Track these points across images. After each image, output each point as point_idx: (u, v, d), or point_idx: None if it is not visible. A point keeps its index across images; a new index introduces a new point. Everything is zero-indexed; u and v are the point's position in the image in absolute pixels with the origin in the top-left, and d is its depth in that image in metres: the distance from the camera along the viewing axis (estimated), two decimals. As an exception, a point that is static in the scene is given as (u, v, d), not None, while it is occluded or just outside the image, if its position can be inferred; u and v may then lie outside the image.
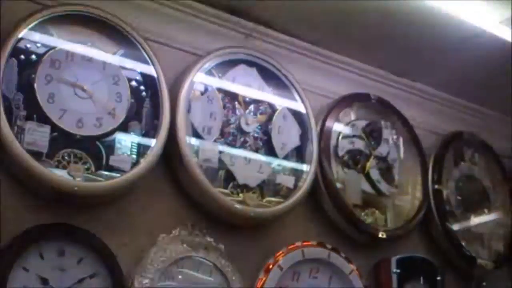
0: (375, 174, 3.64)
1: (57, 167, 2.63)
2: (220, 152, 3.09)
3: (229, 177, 3.11)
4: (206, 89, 3.15)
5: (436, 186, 3.84)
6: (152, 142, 2.85)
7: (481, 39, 3.51)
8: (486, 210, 4.14)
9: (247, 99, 3.29)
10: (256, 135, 3.26)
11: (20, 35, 2.67)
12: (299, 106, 3.39)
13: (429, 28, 3.45)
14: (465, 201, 4.03)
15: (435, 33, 3.50)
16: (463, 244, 3.86)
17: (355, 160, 3.59)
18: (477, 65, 3.79)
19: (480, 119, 4.37)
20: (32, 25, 2.70)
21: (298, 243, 3.20)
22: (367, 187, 3.59)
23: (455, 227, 3.88)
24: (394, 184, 3.71)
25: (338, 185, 3.45)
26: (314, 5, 3.27)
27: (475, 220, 4.05)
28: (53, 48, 2.76)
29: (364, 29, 3.49)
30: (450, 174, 4.01)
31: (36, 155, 2.57)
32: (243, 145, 3.20)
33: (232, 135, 3.19)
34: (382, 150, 3.71)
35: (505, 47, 3.53)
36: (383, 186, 3.65)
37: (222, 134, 3.15)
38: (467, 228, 3.99)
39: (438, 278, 3.65)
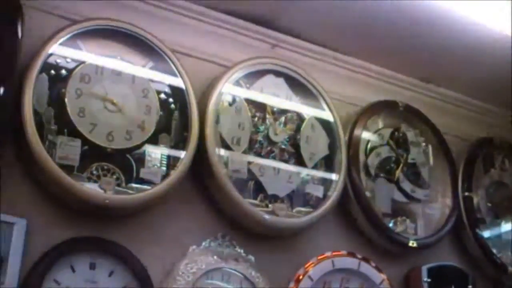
0: (405, 182, 3.62)
1: (88, 180, 2.66)
2: (249, 162, 3.10)
3: (259, 188, 3.11)
4: (234, 100, 3.16)
5: (466, 193, 3.81)
6: (181, 154, 2.86)
7: (507, 44, 3.48)
8: (517, 217, 4.10)
9: (275, 109, 3.29)
10: (284, 145, 3.26)
11: (50, 51, 2.70)
12: (327, 115, 3.39)
13: (455, 34, 3.44)
14: (495, 208, 3.99)
15: (461, 38, 3.49)
16: (494, 251, 3.81)
17: (384, 168, 3.58)
18: (503, 70, 3.75)
19: (509, 124, 4.32)
20: (61, 40, 2.74)
21: (328, 253, 3.19)
22: (397, 195, 3.57)
23: (486, 234, 3.83)
24: (427, 189, 3.69)
25: (368, 194, 3.42)
26: (340, 14, 3.29)
27: (506, 227, 4.00)
28: (82, 62, 2.79)
29: (390, 37, 3.49)
30: (480, 181, 3.97)
31: (68, 169, 2.60)
32: (271, 155, 3.20)
33: (260, 145, 3.19)
34: (411, 157, 3.69)
35: (534, 51, 3.51)
36: (416, 192, 3.63)
37: (251, 144, 3.16)
38: (498, 235, 3.95)
39: (469, 286, 3.60)
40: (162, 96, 2.95)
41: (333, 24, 3.39)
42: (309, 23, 3.39)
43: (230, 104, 3.14)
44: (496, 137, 4.14)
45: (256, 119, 3.22)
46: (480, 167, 4.02)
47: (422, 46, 3.57)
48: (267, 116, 3.25)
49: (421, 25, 3.36)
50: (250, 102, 3.21)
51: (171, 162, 2.86)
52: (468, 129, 4.12)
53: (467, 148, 4.00)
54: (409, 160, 3.68)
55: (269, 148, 3.21)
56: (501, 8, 3.19)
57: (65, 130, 2.67)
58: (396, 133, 3.69)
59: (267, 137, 3.22)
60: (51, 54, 2.71)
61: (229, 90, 3.13)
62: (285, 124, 3.29)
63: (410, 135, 3.73)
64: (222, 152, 3.03)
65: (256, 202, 3.07)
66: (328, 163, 3.34)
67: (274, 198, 3.12)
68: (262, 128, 3.22)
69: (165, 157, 2.87)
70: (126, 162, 2.78)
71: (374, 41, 3.55)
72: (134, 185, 2.75)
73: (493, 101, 4.17)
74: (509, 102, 4.15)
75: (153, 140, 2.86)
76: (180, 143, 2.90)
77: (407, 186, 3.61)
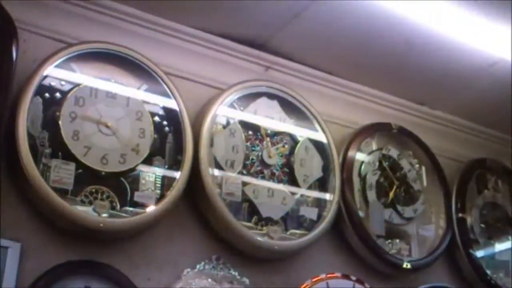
0: (399, 203, 3.62)
1: (82, 203, 2.66)
2: (243, 185, 3.10)
3: (253, 210, 3.11)
4: (228, 123, 3.17)
5: (460, 215, 3.81)
6: (176, 177, 2.86)
7: (501, 67, 3.52)
8: (510, 238, 4.09)
9: (269, 131, 3.30)
10: (278, 167, 3.26)
11: (44, 74, 2.71)
12: (321, 137, 3.40)
13: (449, 56, 3.46)
14: (489, 229, 4.00)
15: (454, 61, 3.51)
16: (488, 272, 3.81)
17: (378, 190, 3.58)
18: (497, 92, 3.78)
19: (502, 145, 4.34)
20: (56, 63, 2.75)
21: (323, 275, 3.18)
22: (391, 217, 3.57)
23: (480, 255, 3.84)
24: (418, 210, 3.69)
25: (361, 215, 3.43)
26: (333, 36, 3.30)
27: (499, 248, 4.01)
28: (77, 85, 2.80)
29: (383, 59, 3.51)
30: (473, 202, 3.98)
31: (62, 192, 2.60)
32: (266, 178, 3.21)
33: (255, 168, 3.20)
34: (404, 179, 3.70)
35: (526, 74, 3.53)
36: (410, 214, 3.64)
37: (245, 167, 3.16)
38: (492, 256, 3.95)
39: (464, 307, 3.61)
40: (156, 119, 2.96)
41: (326, 46, 3.41)
42: (302, 46, 3.41)
43: (224, 127, 3.15)
44: (489, 159, 4.15)
45: (250, 141, 3.22)
46: (473, 188, 4.03)
47: (416, 68, 3.59)
48: (261, 138, 3.26)
49: (416, 48, 3.38)
50: (244, 124, 3.22)
51: (165, 185, 2.86)
52: (461, 151, 4.14)
53: (460, 169, 4.02)
54: (403, 182, 3.68)
55: (263, 171, 3.21)
56: (492, 29, 3.21)
57: (59, 153, 2.66)
58: (387, 155, 3.69)
59: (261, 159, 3.22)
60: (45, 77, 2.72)
61: (223, 112, 3.14)
62: (279, 146, 3.29)
63: (402, 156, 3.74)
64: (216, 174, 3.03)
65: (250, 224, 3.07)
66: (322, 185, 3.35)
67: (268, 221, 3.12)
68: (256, 150, 3.23)
69: (159, 180, 2.87)
70: (121, 186, 2.78)
71: (368, 64, 3.56)
72: (128, 208, 2.74)
73: (486, 123, 4.19)
74: (502, 124, 4.17)
75: (147, 163, 2.86)
76: (174, 166, 2.90)
77: (400, 207, 3.62)
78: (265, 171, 3.22)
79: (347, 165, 3.46)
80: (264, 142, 3.26)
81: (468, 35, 3.28)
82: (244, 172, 3.15)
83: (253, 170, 3.19)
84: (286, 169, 3.29)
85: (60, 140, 2.68)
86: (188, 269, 2.90)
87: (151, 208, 2.76)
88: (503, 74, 3.57)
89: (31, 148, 2.56)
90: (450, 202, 3.82)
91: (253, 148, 3.23)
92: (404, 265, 3.44)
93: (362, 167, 3.57)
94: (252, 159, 3.21)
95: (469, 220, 3.88)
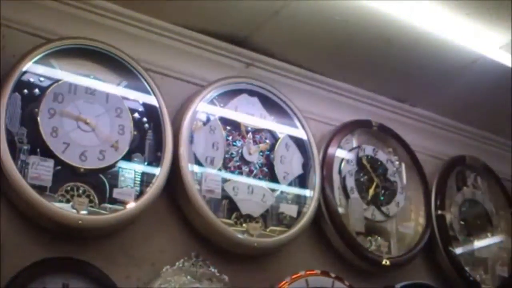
0: (378, 200, 3.64)
1: (61, 200, 2.64)
2: (223, 182, 3.10)
3: (232, 207, 3.11)
4: (208, 119, 3.17)
5: (439, 212, 3.84)
6: (155, 174, 2.86)
7: (481, 64, 3.54)
8: (489, 235, 4.13)
9: (249, 128, 3.30)
10: (258, 164, 3.27)
11: (23, 69, 2.69)
12: (301, 134, 3.41)
13: (429, 53, 3.48)
14: (468, 226, 4.04)
15: (435, 58, 3.53)
16: (467, 269, 3.84)
17: (357, 187, 3.59)
18: (477, 90, 3.82)
19: (482, 143, 4.39)
20: (35, 59, 2.74)
21: (302, 272, 3.18)
22: (370, 214, 3.58)
23: (459, 252, 3.86)
24: (398, 207, 3.71)
25: (341, 212, 3.44)
26: (314, 33, 3.30)
27: (479, 245, 4.04)
28: (56, 81, 2.78)
29: (363, 56, 3.52)
30: (453, 199, 4.01)
31: (40, 189, 2.58)
32: (245, 175, 3.21)
33: (234, 164, 3.19)
34: (384, 176, 3.72)
35: (505, 71, 3.56)
36: (387, 209, 3.65)
37: (225, 164, 3.16)
38: (471, 253, 3.98)
39: (443, 304, 3.64)
40: (136, 115, 2.95)
41: (307, 43, 3.41)
42: (283, 43, 3.41)
43: (204, 124, 3.15)
44: (469, 156, 4.18)
45: (230, 138, 3.22)
46: (452, 185, 4.07)
47: (397, 66, 3.61)
48: (241, 135, 3.26)
49: (396, 45, 3.40)
50: (224, 121, 3.22)
51: (145, 182, 2.85)
52: (441, 148, 4.17)
53: (440, 166, 4.05)
54: (382, 179, 3.70)
55: (243, 168, 3.21)
56: (474, 27, 3.23)
57: (38, 150, 2.65)
58: (369, 152, 3.71)
59: (241, 156, 3.23)
60: (24, 73, 2.70)
61: (203, 109, 3.14)
62: (259, 143, 3.30)
63: (377, 154, 3.76)
64: (196, 172, 3.03)
65: (230, 221, 3.07)
66: (302, 182, 3.36)
67: (248, 218, 3.12)
68: (236, 147, 3.22)
69: (139, 177, 2.86)
70: (100, 182, 2.77)
71: (349, 61, 3.57)
72: (107, 205, 2.73)
73: (466, 120, 4.22)
74: (482, 122, 4.21)
75: (127, 160, 2.85)
76: (153, 163, 2.90)
77: (380, 204, 3.63)
78: (245, 168, 3.22)
79: (327, 162, 3.47)
80: (245, 139, 3.26)
81: (448, 32, 3.30)
82: (224, 169, 3.14)
83: (233, 166, 3.18)
84: (266, 166, 3.29)
85: (39, 136, 2.66)
86: (167, 266, 2.89)
87: (130, 205, 2.75)
88: (483, 71, 3.61)
89: (9, 145, 2.54)
90: (430, 199, 3.85)
91: (233, 145, 3.22)
92: (384, 262, 3.46)
93: (342, 164, 3.57)
94: (232, 155, 3.20)
95: (448, 217, 3.90)
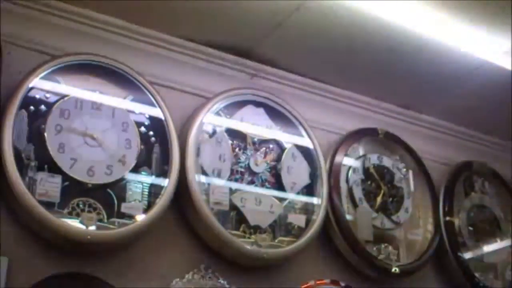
0: (386, 208, 3.64)
1: (69, 216, 2.65)
2: (231, 194, 3.10)
3: (241, 219, 3.10)
4: (214, 131, 3.17)
5: (447, 218, 3.83)
6: (163, 187, 2.86)
7: (486, 70, 3.53)
8: (498, 239, 4.11)
9: (255, 139, 3.30)
10: (265, 175, 3.27)
11: (29, 86, 2.70)
12: (307, 144, 3.41)
13: (433, 60, 3.48)
14: (477, 231, 4.02)
15: (439, 65, 3.53)
16: (477, 275, 3.83)
17: (365, 195, 3.58)
18: (481, 95, 3.81)
19: (488, 148, 4.37)
20: (41, 75, 2.75)
21: (312, 282, 3.19)
22: (379, 222, 3.57)
23: (468, 258, 3.85)
24: (408, 213, 3.71)
25: (349, 220, 3.44)
26: (317, 42, 3.30)
27: (488, 250, 4.02)
28: (62, 98, 2.79)
29: (368, 64, 3.52)
30: (461, 205, 4.00)
31: (48, 205, 2.59)
32: (253, 186, 3.21)
33: (242, 176, 3.20)
34: (391, 183, 3.72)
35: (509, 76, 3.54)
36: (397, 217, 3.65)
37: (232, 175, 3.16)
38: (480, 259, 3.97)
39: (453, 311, 3.63)
40: (142, 129, 2.96)
41: (311, 53, 3.41)
42: (287, 53, 3.42)
43: (211, 136, 3.15)
44: (476, 161, 4.18)
45: (237, 150, 3.23)
46: (460, 191, 4.06)
47: (401, 73, 3.60)
48: (248, 146, 3.27)
49: (401, 53, 3.40)
50: (230, 133, 3.23)
51: (152, 196, 2.85)
52: (448, 154, 4.16)
53: (447, 172, 4.04)
54: (390, 186, 3.70)
55: (250, 179, 3.22)
56: (476, 33, 3.23)
57: (45, 166, 2.65)
58: (376, 160, 3.71)
59: (248, 167, 3.23)
60: (30, 90, 2.71)
61: (209, 121, 3.14)
62: (265, 154, 3.30)
63: (389, 161, 3.76)
64: (203, 184, 3.03)
65: (239, 233, 3.07)
66: (309, 192, 3.35)
67: (257, 229, 3.12)
68: (243, 159, 3.23)
69: (146, 191, 2.87)
70: (107, 197, 2.77)
71: (353, 69, 3.57)
72: (115, 219, 2.73)
73: (472, 125, 4.22)
74: (488, 127, 4.20)
75: (134, 173, 2.86)
76: (161, 176, 2.90)
77: (388, 212, 3.63)
78: (252, 179, 3.23)
79: (334, 171, 3.47)
80: (251, 150, 3.26)
81: (452, 39, 3.29)
82: (231, 180, 3.15)
83: (240, 178, 3.19)
84: (273, 177, 3.29)
85: (46, 153, 2.67)
86: (177, 279, 2.89)
87: (138, 219, 2.75)
88: (487, 77, 3.60)
89: (17, 162, 2.55)
90: (438, 206, 3.84)
91: (240, 157, 3.23)
92: (393, 270, 3.45)
93: (350, 172, 3.57)
94: (239, 167, 3.21)
95: (456, 223, 3.89)
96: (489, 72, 3.55)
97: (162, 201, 2.82)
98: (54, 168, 2.66)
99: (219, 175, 3.09)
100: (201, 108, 3.14)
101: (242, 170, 3.21)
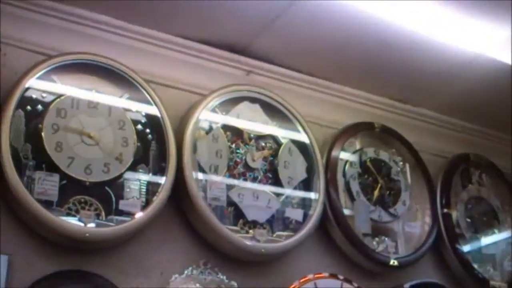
0: (383, 201, 3.65)
1: (68, 214, 2.67)
2: (228, 189, 3.12)
3: (238, 214, 3.12)
4: (211, 128, 3.19)
5: (445, 210, 3.84)
6: (160, 184, 2.88)
7: (479, 62, 3.54)
8: (496, 231, 4.13)
9: (252, 135, 3.32)
10: (262, 170, 3.28)
11: (25, 86, 2.72)
12: (304, 139, 3.43)
13: (428, 53, 3.48)
14: (474, 223, 4.04)
15: (434, 58, 3.53)
16: (475, 266, 3.84)
17: (362, 188, 3.60)
18: (477, 87, 3.82)
19: (485, 140, 4.38)
20: (37, 75, 2.77)
21: (310, 276, 3.20)
22: (377, 215, 3.59)
23: (466, 249, 3.87)
24: (405, 205, 3.72)
25: (347, 214, 3.45)
26: (312, 38, 3.32)
27: (486, 241, 4.04)
28: (58, 97, 2.81)
29: (363, 58, 3.53)
30: (458, 197, 4.01)
31: (47, 204, 2.61)
32: (250, 181, 3.22)
33: (238, 172, 3.22)
34: (388, 176, 3.74)
35: (505, 68, 3.56)
36: (394, 210, 3.66)
37: (229, 171, 3.18)
38: (478, 250, 3.98)
39: (452, 302, 3.64)
40: (139, 127, 2.97)
41: (306, 48, 3.43)
42: (282, 49, 3.43)
43: (207, 132, 3.17)
44: (473, 153, 4.19)
45: (233, 146, 3.24)
46: (457, 183, 4.07)
47: (396, 67, 3.61)
48: (244, 142, 3.28)
49: (396, 46, 3.40)
50: (227, 129, 3.24)
51: (150, 193, 2.87)
52: (444, 147, 4.17)
53: (444, 165, 4.05)
54: (387, 180, 3.71)
55: (247, 174, 3.23)
56: (473, 25, 3.25)
57: (43, 165, 2.68)
58: (373, 154, 3.73)
59: (245, 163, 3.24)
60: (26, 90, 2.73)
61: (205, 118, 3.16)
62: (262, 149, 3.32)
63: (385, 154, 3.77)
64: (201, 180, 3.05)
65: (236, 228, 3.08)
66: (306, 186, 3.37)
67: (254, 224, 3.14)
68: (239, 154, 3.25)
69: (144, 188, 2.88)
70: (105, 195, 2.79)
71: (348, 64, 3.58)
72: (114, 217, 2.75)
73: (468, 118, 4.22)
74: (484, 119, 4.21)
75: (131, 171, 2.88)
76: (158, 173, 2.92)
77: (386, 205, 3.64)
78: (249, 175, 3.24)
79: (331, 165, 3.48)
80: (248, 146, 3.28)
81: (446, 32, 3.30)
82: (228, 176, 3.16)
83: (237, 174, 3.21)
84: (270, 172, 3.31)
85: (44, 152, 2.69)
86: (176, 275, 2.92)
87: (136, 216, 2.77)
88: (482, 69, 3.61)
89: (15, 161, 2.57)
90: (435, 198, 3.86)
91: (237, 152, 3.25)
92: (391, 262, 3.46)
93: (346, 166, 3.59)
94: (236, 163, 3.23)
95: (454, 215, 3.90)
96: (483, 64, 3.55)
97: (159, 198, 2.84)
98: (51, 167, 2.68)
99: (216, 171, 3.11)
100: (197, 105, 3.16)
101: (239, 166, 3.23)
